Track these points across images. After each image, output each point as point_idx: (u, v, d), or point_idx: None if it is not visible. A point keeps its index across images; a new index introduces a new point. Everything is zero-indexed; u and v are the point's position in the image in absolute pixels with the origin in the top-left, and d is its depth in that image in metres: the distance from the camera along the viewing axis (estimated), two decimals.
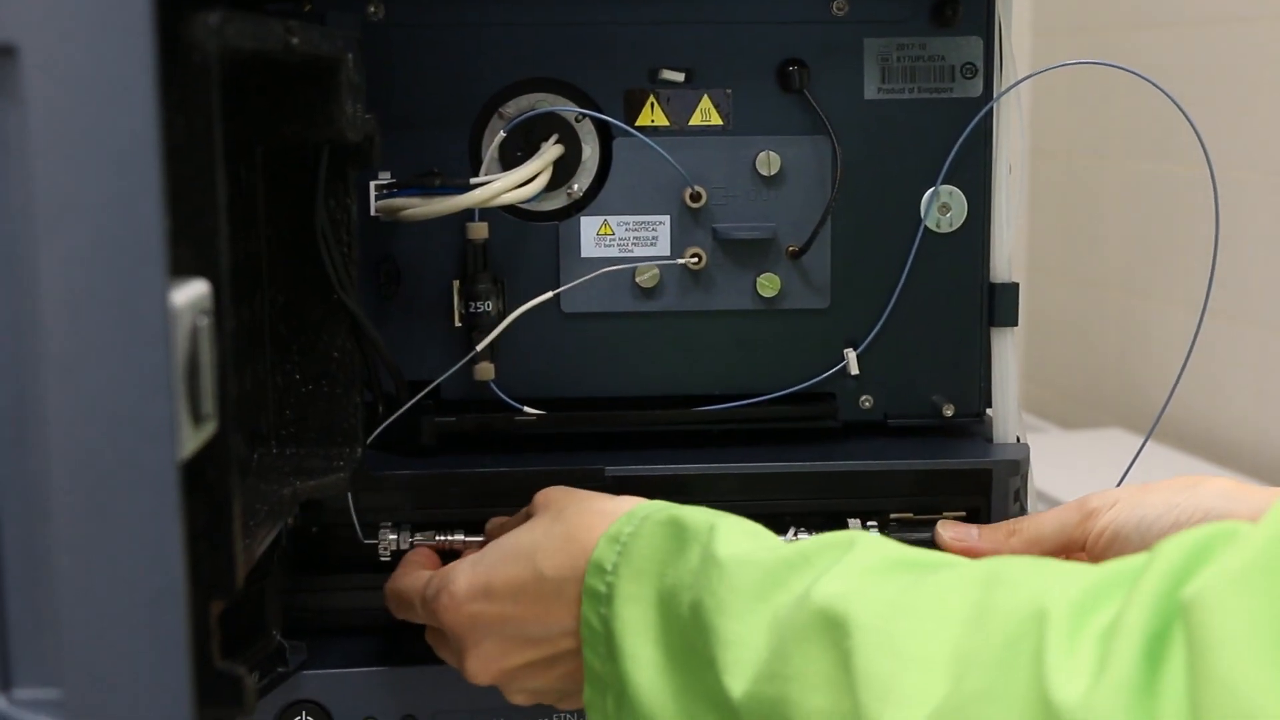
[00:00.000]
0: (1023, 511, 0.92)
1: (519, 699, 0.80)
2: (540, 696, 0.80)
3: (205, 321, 0.49)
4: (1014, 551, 0.84)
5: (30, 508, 0.46)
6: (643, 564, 0.72)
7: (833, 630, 0.60)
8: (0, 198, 0.45)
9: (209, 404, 0.48)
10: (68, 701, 0.47)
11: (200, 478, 0.50)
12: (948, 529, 0.87)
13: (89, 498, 0.45)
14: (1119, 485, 0.92)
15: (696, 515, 0.72)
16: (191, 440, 0.48)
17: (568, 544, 0.75)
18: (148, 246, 0.45)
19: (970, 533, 0.85)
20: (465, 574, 0.78)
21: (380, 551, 0.87)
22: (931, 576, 0.61)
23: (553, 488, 0.83)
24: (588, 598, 0.73)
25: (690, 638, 0.68)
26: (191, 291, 0.48)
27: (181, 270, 0.49)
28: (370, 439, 0.86)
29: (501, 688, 0.80)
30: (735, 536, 0.70)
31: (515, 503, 0.87)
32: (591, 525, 0.75)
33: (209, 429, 0.49)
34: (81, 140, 0.44)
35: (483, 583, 0.77)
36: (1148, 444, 0.98)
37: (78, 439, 0.45)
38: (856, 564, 0.64)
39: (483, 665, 0.78)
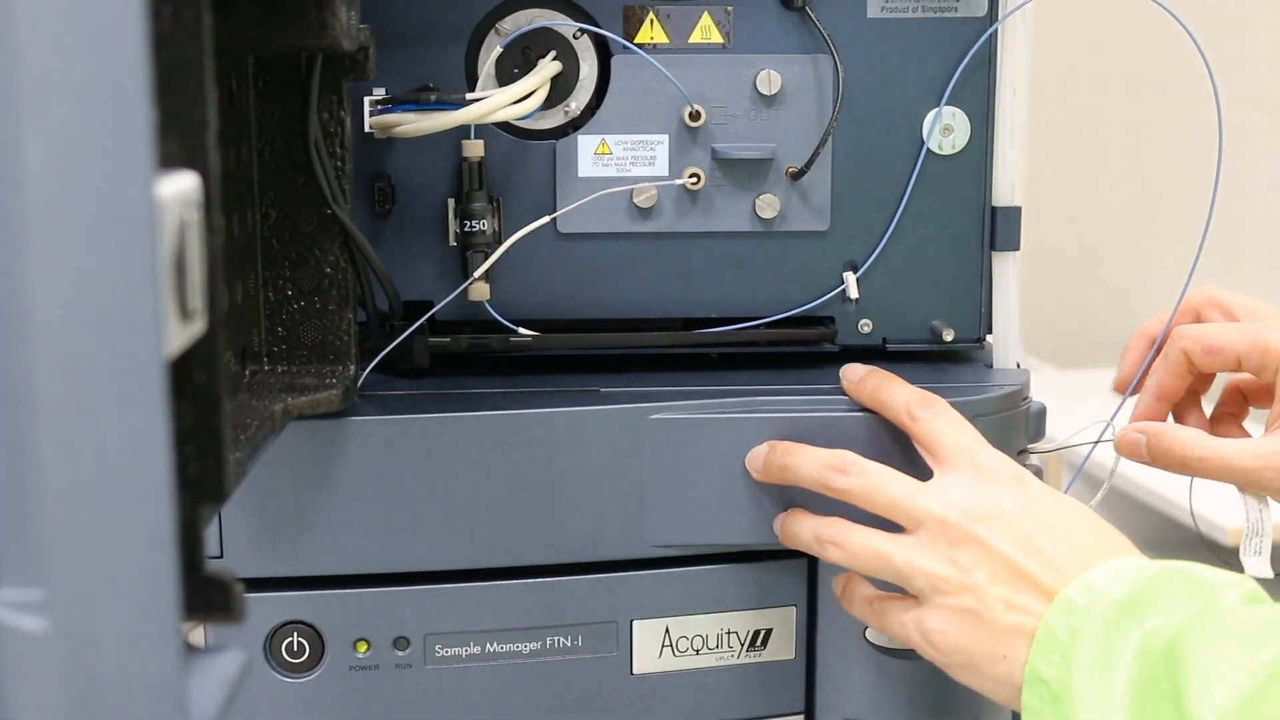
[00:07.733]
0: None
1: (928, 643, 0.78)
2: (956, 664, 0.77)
3: (194, 216, 0.48)
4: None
5: (12, 401, 0.44)
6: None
7: None
8: None
9: (196, 300, 0.47)
10: (53, 602, 0.46)
11: (188, 378, 0.49)
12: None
13: (72, 391, 0.44)
14: (1106, 427, 0.91)
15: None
16: (178, 336, 0.46)
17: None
18: (133, 134, 0.43)
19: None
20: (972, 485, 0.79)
21: None
22: None
23: None
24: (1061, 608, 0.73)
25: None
26: (179, 184, 0.47)
27: (169, 164, 0.47)
28: (373, 364, 0.85)
29: (918, 631, 0.78)
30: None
31: None
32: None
33: (197, 327, 0.48)
34: (65, 20, 0.43)
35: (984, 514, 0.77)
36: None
37: (59, 330, 0.43)
38: None
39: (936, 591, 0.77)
